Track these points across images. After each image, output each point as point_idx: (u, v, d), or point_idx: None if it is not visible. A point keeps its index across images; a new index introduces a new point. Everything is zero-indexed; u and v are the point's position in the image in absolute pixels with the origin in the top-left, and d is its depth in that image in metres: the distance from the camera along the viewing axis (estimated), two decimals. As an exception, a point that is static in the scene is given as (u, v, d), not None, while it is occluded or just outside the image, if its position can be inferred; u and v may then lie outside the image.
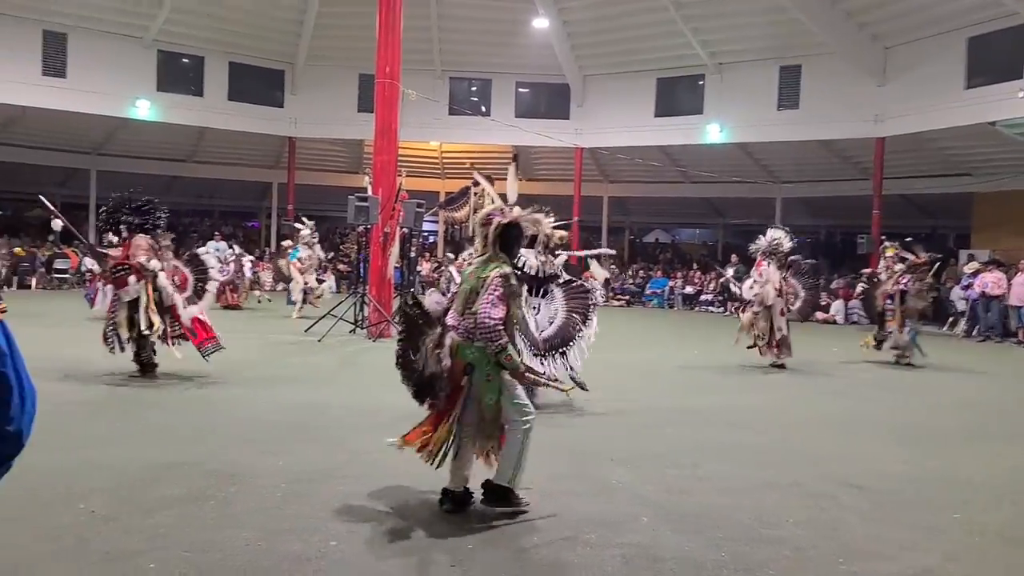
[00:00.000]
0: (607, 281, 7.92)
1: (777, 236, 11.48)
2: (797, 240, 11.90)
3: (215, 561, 3.80)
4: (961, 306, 18.95)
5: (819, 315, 21.03)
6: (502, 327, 4.32)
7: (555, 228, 5.71)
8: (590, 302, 6.82)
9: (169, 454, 5.57)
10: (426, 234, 25.23)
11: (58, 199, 26.18)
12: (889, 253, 12.92)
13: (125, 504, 4.51)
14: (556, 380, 5.65)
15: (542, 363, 6.27)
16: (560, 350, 6.61)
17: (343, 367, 10.29)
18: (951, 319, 19.35)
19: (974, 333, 17.74)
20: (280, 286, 19.09)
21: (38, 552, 3.81)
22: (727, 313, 20.19)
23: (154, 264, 8.50)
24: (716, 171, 24.27)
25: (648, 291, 25.24)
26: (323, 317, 13.34)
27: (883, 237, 16.01)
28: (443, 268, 19.20)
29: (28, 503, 4.42)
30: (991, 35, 18.16)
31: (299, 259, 16.33)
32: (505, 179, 5.65)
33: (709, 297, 23.86)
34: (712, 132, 23.20)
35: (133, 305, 8.38)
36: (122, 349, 8.49)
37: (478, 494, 4.62)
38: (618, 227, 31.58)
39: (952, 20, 18.53)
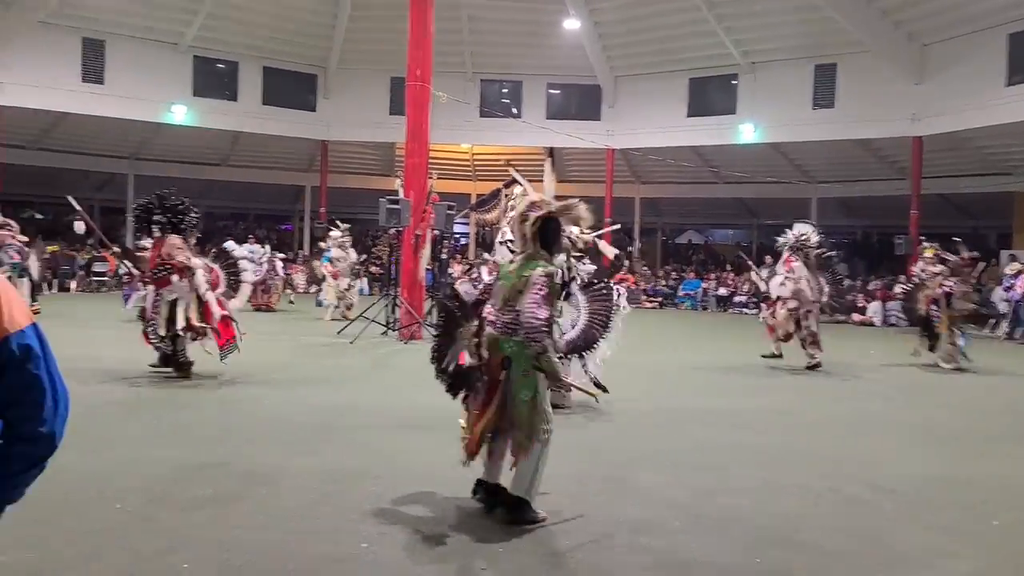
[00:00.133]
0: (617, 257, 7.91)
1: (804, 231, 11.32)
2: (833, 240, 11.74)
3: (246, 562, 3.81)
4: (1003, 308, 18.54)
5: (856, 316, 20.79)
6: (547, 328, 4.29)
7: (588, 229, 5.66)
8: (612, 304, 6.77)
9: (202, 454, 5.63)
10: (457, 236, 25.27)
11: (96, 203, 26.75)
12: (928, 254, 12.67)
13: (159, 504, 4.56)
14: (586, 385, 5.62)
15: (563, 366, 6.24)
16: (582, 352, 6.56)
17: (375, 369, 10.33)
18: (993, 321, 18.95)
19: (1016, 335, 17.35)
20: (312, 288, 19.24)
21: (74, 552, 3.86)
22: (762, 315, 19.93)
23: (195, 262, 8.65)
24: (750, 171, 24.04)
25: (681, 293, 25.05)
26: (355, 319, 13.42)
27: (921, 237, 15.74)
28: (474, 270, 19.24)
29: (64, 504, 4.48)
30: (1034, 31, 17.80)
31: (332, 261, 16.40)
32: (535, 180, 5.64)
33: (743, 299, 23.62)
34: (746, 132, 22.99)
35: (172, 304, 8.49)
36: (160, 349, 8.63)
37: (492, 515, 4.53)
38: (650, 228, 31.41)
39: (992, 16, 18.19)
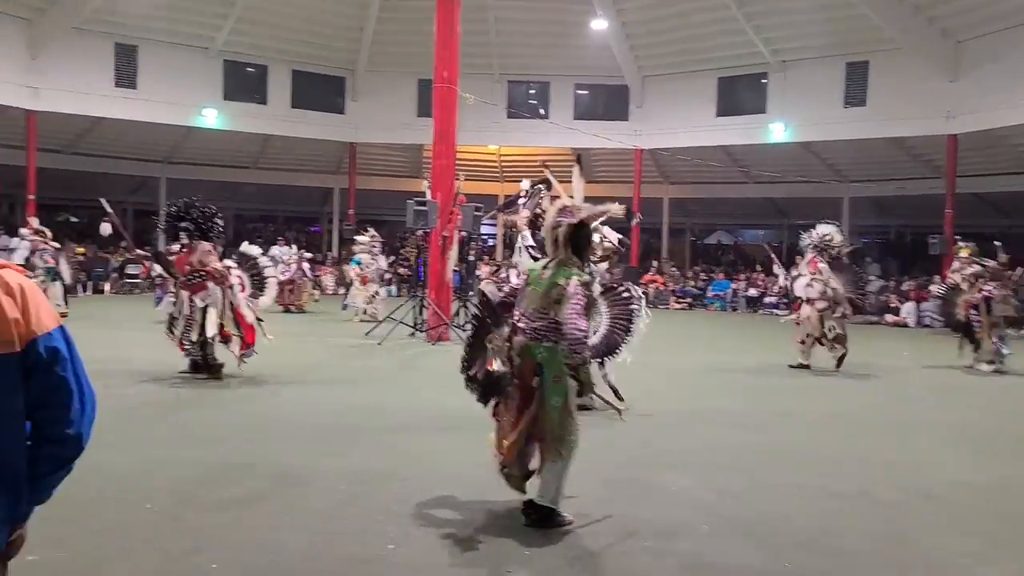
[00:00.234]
0: (621, 242, 7.83)
1: (828, 232, 11.20)
2: (866, 240, 11.57)
3: (273, 562, 3.83)
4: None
5: (889, 317, 20.50)
6: (586, 340, 4.28)
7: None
8: (633, 309, 6.72)
9: (230, 455, 5.67)
10: (485, 238, 25.30)
11: (129, 207, 27.11)
12: (964, 254, 12.45)
13: (187, 504, 4.59)
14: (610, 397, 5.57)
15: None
16: (604, 358, 6.51)
17: (402, 370, 10.35)
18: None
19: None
20: (341, 290, 19.34)
21: (103, 552, 3.90)
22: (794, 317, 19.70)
23: (227, 267, 8.82)
24: (780, 171, 23.79)
25: (710, 294, 24.85)
26: (383, 321, 13.47)
27: (957, 237, 15.47)
28: (502, 271, 19.23)
29: (96, 503, 4.53)
30: (1071, 27, 17.43)
31: (360, 266, 16.48)
32: (562, 182, 5.59)
33: (773, 300, 23.36)
34: (776, 131, 22.76)
35: (204, 310, 8.60)
36: (191, 355, 8.74)
37: (517, 516, 4.50)
38: (679, 228, 31.19)
39: (1028, 12, 17.84)
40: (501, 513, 4.56)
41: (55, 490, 1.98)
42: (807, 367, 10.98)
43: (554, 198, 4.74)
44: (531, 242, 7.83)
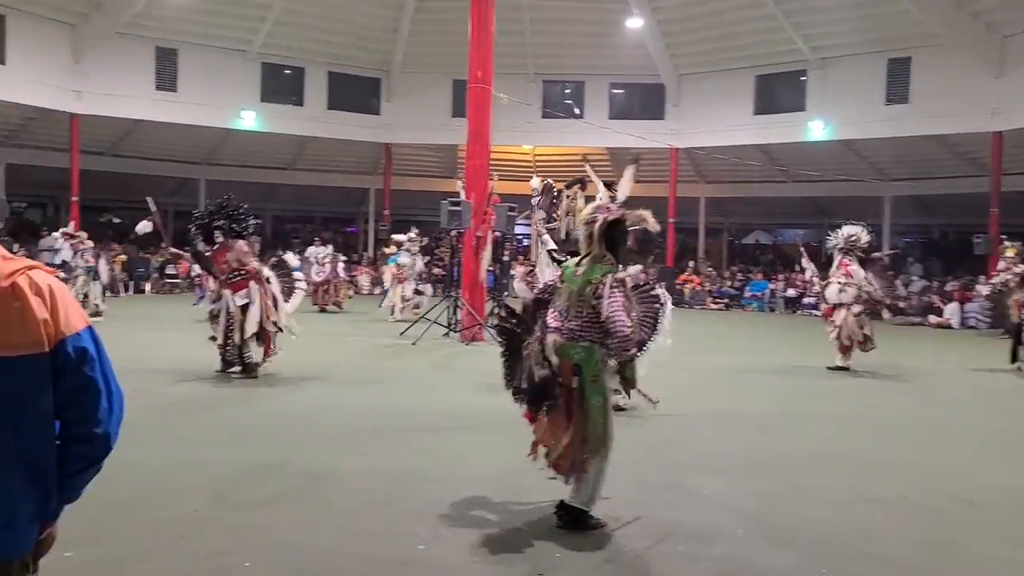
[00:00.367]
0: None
1: (854, 232, 11.04)
2: (907, 240, 11.36)
3: (304, 562, 3.85)
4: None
5: (932, 319, 20.10)
6: (634, 336, 4.25)
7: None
8: (659, 306, 6.64)
9: (264, 454, 5.71)
10: (520, 238, 25.28)
11: (170, 208, 27.53)
12: (1009, 254, 12.15)
13: (221, 503, 4.64)
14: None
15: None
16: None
17: (435, 370, 10.37)
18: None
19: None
20: (377, 289, 19.41)
21: (141, 548, 3.95)
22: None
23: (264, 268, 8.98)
24: (819, 169, 23.43)
25: (747, 294, 24.56)
26: (417, 321, 13.52)
27: (1003, 236, 15.09)
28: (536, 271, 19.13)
29: (132, 500, 4.59)
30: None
31: (398, 265, 16.49)
32: (600, 180, 5.55)
33: (812, 300, 22.99)
34: (815, 129, 22.43)
35: (243, 308, 8.73)
36: (227, 353, 8.86)
37: (549, 518, 4.46)
38: (716, 228, 30.90)
39: (1078, 5, 17.37)
40: (532, 514, 4.54)
41: (85, 489, 1.99)
42: (846, 369, 10.79)
43: (589, 197, 4.70)
44: (552, 245, 7.75)
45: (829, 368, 10.87)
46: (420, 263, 16.92)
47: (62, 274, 14.10)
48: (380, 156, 26.98)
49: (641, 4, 22.03)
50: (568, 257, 6.94)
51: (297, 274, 9.67)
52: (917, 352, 13.97)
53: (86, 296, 14.28)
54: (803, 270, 12.74)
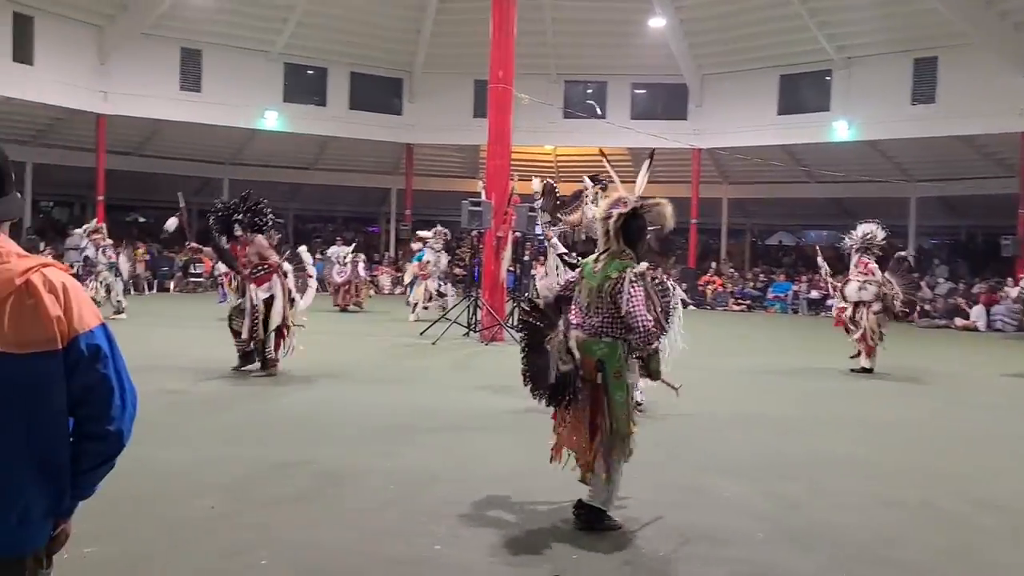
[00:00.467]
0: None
1: (869, 230, 10.94)
2: (934, 241, 11.23)
3: (322, 561, 3.85)
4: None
5: (959, 321, 19.83)
6: (656, 329, 4.21)
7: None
8: (669, 299, 6.58)
9: (283, 452, 5.72)
10: (541, 238, 25.28)
11: (194, 207, 27.75)
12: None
13: (240, 501, 4.65)
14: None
15: None
16: None
17: (455, 370, 10.36)
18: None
19: None
20: (398, 289, 19.41)
21: (159, 545, 3.97)
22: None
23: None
24: (844, 170, 23.20)
25: (770, 295, 24.35)
26: (437, 320, 13.54)
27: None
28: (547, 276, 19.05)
29: (153, 497, 4.62)
30: None
31: (423, 262, 16.50)
32: (623, 182, 5.50)
33: (832, 301, 22.74)
34: (840, 129, 22.23)
35: (266, 301, 8.87)
36: (243, 348, 8.93)
37: (567, 519, 4.43)
38: (738, 229, 30.71)
39: (1108, 3, 17.07)
40: (550, 515, 4.52)
41: (98, 486, 1.99)
42: (870, 371, 10.66)
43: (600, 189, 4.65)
44: (561, 249, 7.67)
45: (853, 370, 10.74)
46: (445, 260, 16.85)
47: (76, 270, 14.32)
48: (401, 156, 27.06)
49: (664, 3, 21.93)
50: (580, 259, 6.94)
51: (310, 268, 9.70)
52: (942, 355, 13.79)
53: (108, 292, 14.45)
54: (819, 269, 12.63)
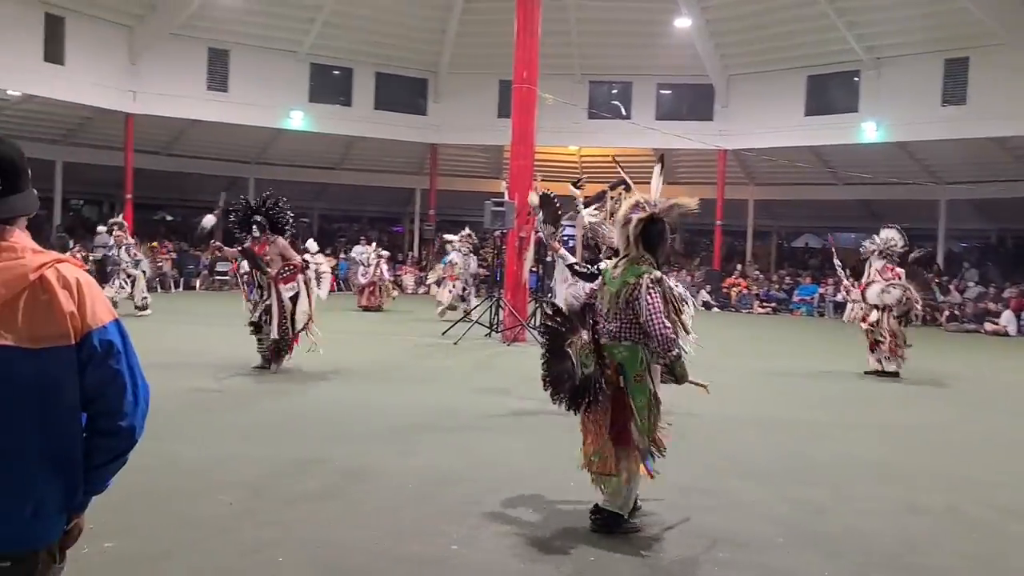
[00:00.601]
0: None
1: (891, 236, 10.86)
2: (964, 244, 11.09)
3: (338, 558, 3.86)
4: None
5: (988, 326, 19.53)
6: (675, 336, 4.19)
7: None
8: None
9: (304, 450, 5.74)
10: (564, 239, 25.23)
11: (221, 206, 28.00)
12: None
13: (260, 498, 4.67)
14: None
15: None
16: None
17: (476, 370, 10.35)
18: None
19: None
20: (421, 289, 19.41)
21: (177, 541, 3.99)
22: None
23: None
24: (872, 172, 22.93)
25: (796, 298, 24.11)
26: (460, 320, 13.54)
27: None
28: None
29: (173, 493, 4.66)
30: None
31: (450, 264, 16.51)
32: (643, 183, 5.47)
33: (846, 301, 22.41)
34: (868, 131, 21.96)
35: (292, 299, 9.01)
36: (265, 349, 9.00)
37: (584, 521, 4.40)
38: (764, 231, 30.44)
39: None
40: (568, 517, 4.49)
41: (111, 481, 1.99)
42: (896, 375, 10.52)
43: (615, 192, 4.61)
44: (571, 260, 7.57)
45: (879, 373, 10.60)
46: (474, 263, 16.78)
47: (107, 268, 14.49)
48: (426, 156, 27.11)
49: (690, 3, 21.79)
50: (589, 266, 6.91)
51: (318, 257, 9.78)
52: (970, 359, 13.59)
53: (133, 284, 14.66)
54: (835, 269, 12.53)
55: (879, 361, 10.68)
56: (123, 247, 14.88)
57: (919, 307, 10.65)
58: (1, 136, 1.98)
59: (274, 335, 8.90)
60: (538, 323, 12.56)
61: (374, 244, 19.17)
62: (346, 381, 8.82)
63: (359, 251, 18.96)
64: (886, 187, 23.75)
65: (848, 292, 11.79)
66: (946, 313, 20.39)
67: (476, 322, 13.27)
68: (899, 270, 10.67)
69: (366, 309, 17.56)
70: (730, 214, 25.07)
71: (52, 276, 1.82)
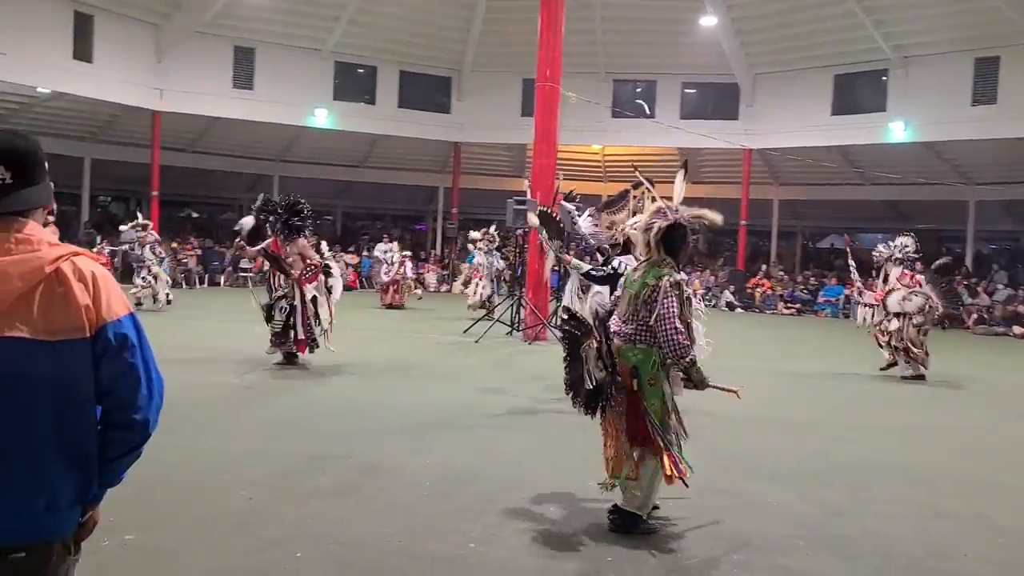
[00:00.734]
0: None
1: (907, 243, 10.78)
2: (993, 246, 10.94)
3: (355, 555, 3.86)
4: None
5: (1017, 329, 19.23)
6: (688, 341, 4.18)
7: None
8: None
9: (321, 446, 5.76)
10: (580, 237, 25.13)
11: (244, 203, 28.24)
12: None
13: (277, 494, 4.69)
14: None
15: None
16: None
17: (496, 368, 10.34)
18: None
19: None
20: (443, 287, 19.41)
21: (198, 535, 4.02)
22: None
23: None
24: (900, 172, 22.64)
25: (821, 299, 23.86)
26: (481, 319, 13.55)
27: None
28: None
29: (192, 488, 4.69)
30: None
31: (474, 264, 16.54)
32: (667, 182, 5.44)
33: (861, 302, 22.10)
34: (896, 130, 21.69)
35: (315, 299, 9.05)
36: (285, 347, 9.07)
37: (602, 521, 4.38)
38: (789, 231, 30.17)
39: None
40: (586, 516, 4.47)
41: (125, 474, 2.00)
42: (922, 378, 10.38)
43: (666, 197, 4.58)
44: (586, 268, 7.51)
45: (904, 377, 10.47)
46: (498, 261, 16.79)
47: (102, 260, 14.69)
48: (449, 155, 27.14)
49: (715, 1, 21.64)
50: (603, 268, 6.87)
51: (334, 268, 9.83)
52: (998, 363, 13.38)
53: (156, 280, 14.84)
54: (849, 270, 12.40)
55: (911, 364, 10.53)
56: (147, 245, 15.06)
57: (938, 314, 10.51)
58: (18, 130, 1.99)
59: (300, 335, 8.96)
60: (558, 323, 12.55)
61: (396, 242, 19.21)
62: (365, 378, 8.85)
63: (382, 249, 19.01)
64: (914, 187, 23.45)
65: (861, 294, 11.68)
66: (974, 316, 20.11)
67: (497, 320, 13.26)
68: (919, 277, 10.56)
69: (389, 307, 17.61)
70: (755, 214, 24.88)
71: (68, 269, 1.83)
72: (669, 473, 4.18)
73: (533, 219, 9.49)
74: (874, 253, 11.35)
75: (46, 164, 1.94)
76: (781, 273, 25.74)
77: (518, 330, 13.32)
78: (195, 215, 31.34)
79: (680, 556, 4.01)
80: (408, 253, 19.12)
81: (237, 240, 10.78)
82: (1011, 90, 19.90)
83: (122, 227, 16.34)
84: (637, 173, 5.58)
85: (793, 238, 31.03)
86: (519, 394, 8.28)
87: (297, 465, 5.25)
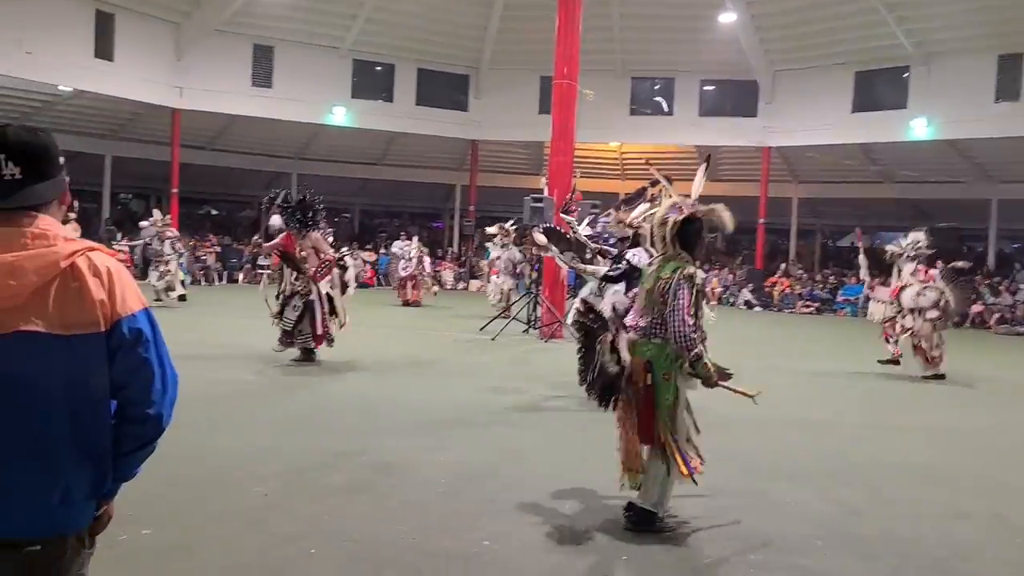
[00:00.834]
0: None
1: (919, 239, 10.67)
2: (1016, 245, 10.81)
3: (368, 552, 3.86)
4: None
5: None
6: (696, 334, 4.16)
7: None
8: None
9: (337, 443, 5.77)
10: (606, 236, 25.04)
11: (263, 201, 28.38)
12: None
13: (295, 489, 4.70)
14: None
15: None
16: None
17: (512, 366, 10.33)
18: None
19: None
20: (460, 284, 19.42)
21: (212, 530, 4.03)
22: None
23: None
24: (921, 170, 22.42)
25: (840, 298, 23.68)
26: (497, 316, 13.55)
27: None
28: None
29: (207, 484, 4.71)
30: None
31: (491, 260, 16.51)
32: (685, 180, 5.41)
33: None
34: (918, 128, 21.47)
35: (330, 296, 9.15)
36: (302, 343, 9.10)
37: (618, 519, 4.36)
38: (808, 229, 29.97)
39: None
40: (601, 514, 4.45)
41: (139, 469, 2.00)
42: (942, 377, 10.27)
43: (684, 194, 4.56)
44: (602, 271, 7.47)
45: (924, 376, 10.36)
46: (517, 254, 16.70)
47: (119, 256, 14.84)
48: (467, 152, 27.16)
49: (735, -2, 21.52)
50: (618, 267, 6.84)
51: (348, 261, 9.89)
52: (1020, 363, 13.22)
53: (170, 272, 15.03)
54: (858, 266, 12.31)
55: (926, 365, 10.43)
56: (167, 241, 15.21)
57: (954, 311, 10.41)
58: (29, 125, 1.99)
59: (319, 331, 8.99)
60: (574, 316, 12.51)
61: (415, 239, 19.23)
62: (380, 375, 8.86)
63: (399, 246, 19.05)
64: (935, 185, 23.24)
65: (872, 290, 11.59)
66: (996, 315, 19.89)
67: (514, 318, 13.26)
68: (932, 272, 10.45)
69: (406, 303, 17.65)
70: (773, 212, 24.75)
71: (83, 264, 1.83)
72: (685, 472, 4.16)
73: (540, 238, 9.44)
74: (886, 248, 11.24)
75: (60, 159, 1.94)
76: (800, 272, 25.57)
77: (534, 328, 13.31)
78: (214, 212, 31.56)
79: (697, 556, 3.98)
80: (426, 249, 19.13)
81: (255, 238, 10.84)
82: (1035, 87, 19.66)
83: (142, 223, 16.53)
84: (653, 170, 5.56)
85: (812, 236, 30.82)
86: (534, 392, 8.26)
87: (312, 462, 5.27)
